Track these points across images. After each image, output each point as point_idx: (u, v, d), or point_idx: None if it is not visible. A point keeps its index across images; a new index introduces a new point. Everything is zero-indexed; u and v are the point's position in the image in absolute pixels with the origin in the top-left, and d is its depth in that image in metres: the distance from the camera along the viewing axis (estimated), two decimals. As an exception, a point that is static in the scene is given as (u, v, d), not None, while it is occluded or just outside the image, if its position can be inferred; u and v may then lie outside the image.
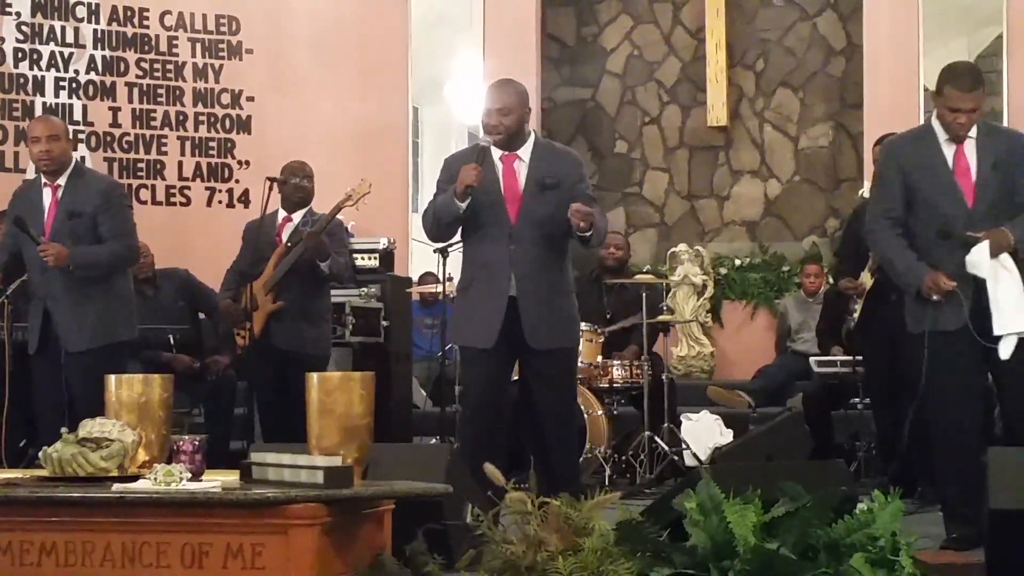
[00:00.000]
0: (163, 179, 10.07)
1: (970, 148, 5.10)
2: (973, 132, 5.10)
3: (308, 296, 6.93)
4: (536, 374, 5.52)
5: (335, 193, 7.05)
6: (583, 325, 7.43)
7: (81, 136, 9.79)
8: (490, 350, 5.42)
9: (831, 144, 10.53)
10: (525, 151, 5.52)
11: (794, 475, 3.77)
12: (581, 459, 7.20)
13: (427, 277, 9.35)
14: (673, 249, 10.39)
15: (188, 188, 10.12)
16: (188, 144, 10.13)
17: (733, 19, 10.52)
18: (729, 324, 10.38)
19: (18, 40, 9.74)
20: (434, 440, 8.09)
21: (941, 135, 5.12)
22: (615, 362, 7.83)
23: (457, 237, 5.76)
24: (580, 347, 7.49)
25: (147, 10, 10.08)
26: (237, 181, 10.18)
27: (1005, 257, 4.94)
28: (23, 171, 9.06)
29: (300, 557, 3.42)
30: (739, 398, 8.84)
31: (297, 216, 7.04)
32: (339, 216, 7.11)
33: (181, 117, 10.13)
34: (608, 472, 7.45)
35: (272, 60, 10.30)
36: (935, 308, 5.00)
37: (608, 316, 8.11)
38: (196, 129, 10.16)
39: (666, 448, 7.56)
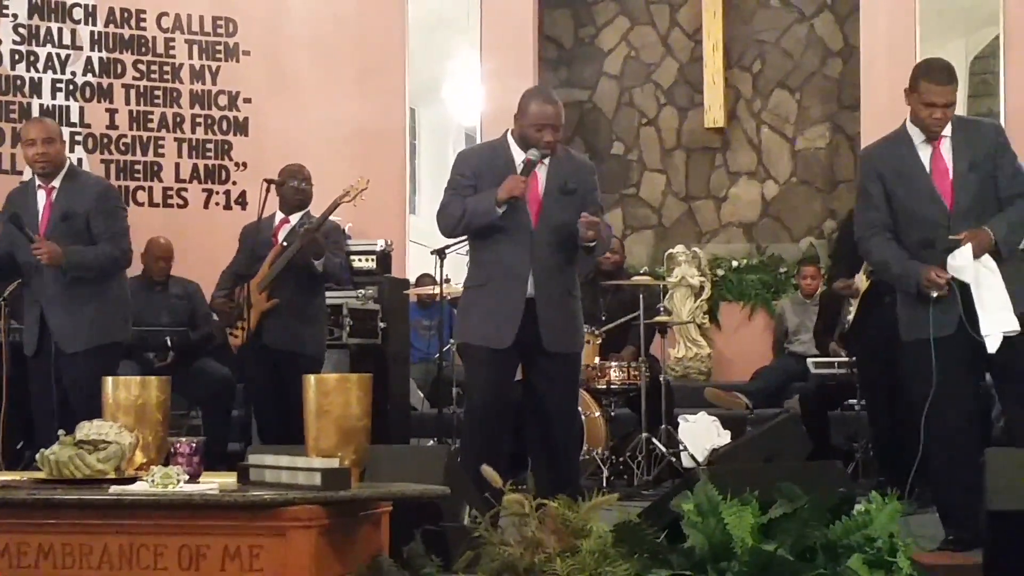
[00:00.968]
0: (160, 181, 10.06)
1: (946, 148, 5.08)
2: (947, 130, 5.08)
3: (303, 295, 6.93)
4: (545, 376, 5.51)
5: (332, 195, 7.06)
6: (581, 327, 7.46)
7: (78, 138, 9.78)
8: (503, 351, 5.43)
9: (828, 145, 10.54)
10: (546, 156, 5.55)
11: (791, 476, 3.78)
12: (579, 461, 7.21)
13: (424, 279, 9.35)
14: (670, 250, 10.39)
15: (185, 190, 10.11)
16: (185, 146, 10.12)
17: (730, 20, 10.53)
18: (726, 325, 10.39)
19: (15, 42, 9.74)
20: (432, 442, 8.09)
21: (917, 137, 5.10)
22: (612, 363, 7.83)
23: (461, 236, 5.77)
24: (581, 350, 7.54)
25: (144, 12, 10.07)
26: (234, 183, 10.17)
27: (986, 258, 4.94)
28: (20, 173, 9.05)
29: (298, 559, 3.41)
30: (736, 399, 8.84)
31: (294, 218, 7.04)
32: (336, 218, 7.11)
33: (178, 119, 10.12)
34: (606, 474, 7.45)
35: (269, 62, 10.29)
36: (925, 315, 4.99)
37: (604, 318, 8.11)
38: (193, 131, 10.15)
39: (664, 449, 7.56)
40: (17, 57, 9.74)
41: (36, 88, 9.77)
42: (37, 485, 3.74)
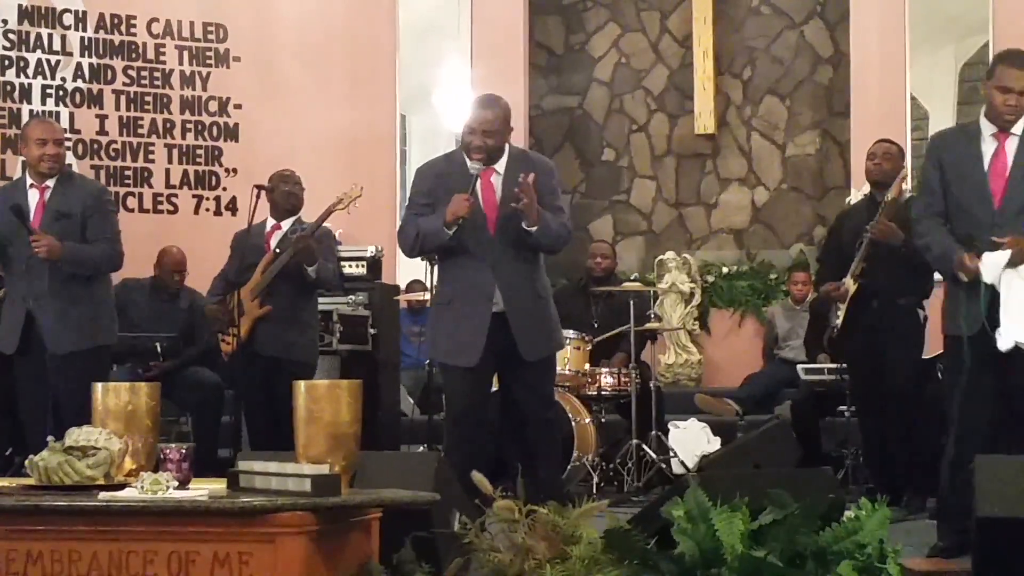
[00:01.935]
0: (150, 187, 10.05)
1: (1011, 146, 4.96)
2: (1018, 128, 4.95)
3: (295, 302, 6.93)
4: (521, 382, 5.53)
5: (323, 201, 7.05)
6: (571, 333, 7.46)
7: (68, 144, 9.74)
8: (472, 368, 5.43)
9: (818, 152, 10.55)
10: (501, 164, 5.52)
11: (782, 483, 3.77)
12: (569, 467, 7.20)
13: (415, 285, 9.34)
14: (661, 257, 10.40)
15: (175, 196, 10.10)
16: (175, 152, 10.12)
17: (720, 27, 10.55)
18: (717, 332, 10.39)
19: (5, 48, 9.73)
20: (422, 448, 8.07)
21: (987, 130, 4.99)
22: (603, 370, 7.83)
23: None
24: (568, 355, 7.53)
25: (134, 18, 10.07)
26: (224, 189, 10.17)
27: (1023, 268, 4.83)
28: (9, 179, 9.03)
29: (287, 565, 3.41)
30: (727, 406, 8.85)
31: (286, 224, 7.04)
32: (327, 225, 7.10)
33: (168, 125, 10.12)
34: (596, 480, 7.44)
35: (260, 68, 10.29)
36: (962, 310, 4.90)
37: (595, 325, 8.11)
38: (183, 137, 10.14)
39: (654, 456, 7.56)
40: (7, 63, 9.73)
41: (26, 94, 9.76)
42: (26, 491, 3.73)
